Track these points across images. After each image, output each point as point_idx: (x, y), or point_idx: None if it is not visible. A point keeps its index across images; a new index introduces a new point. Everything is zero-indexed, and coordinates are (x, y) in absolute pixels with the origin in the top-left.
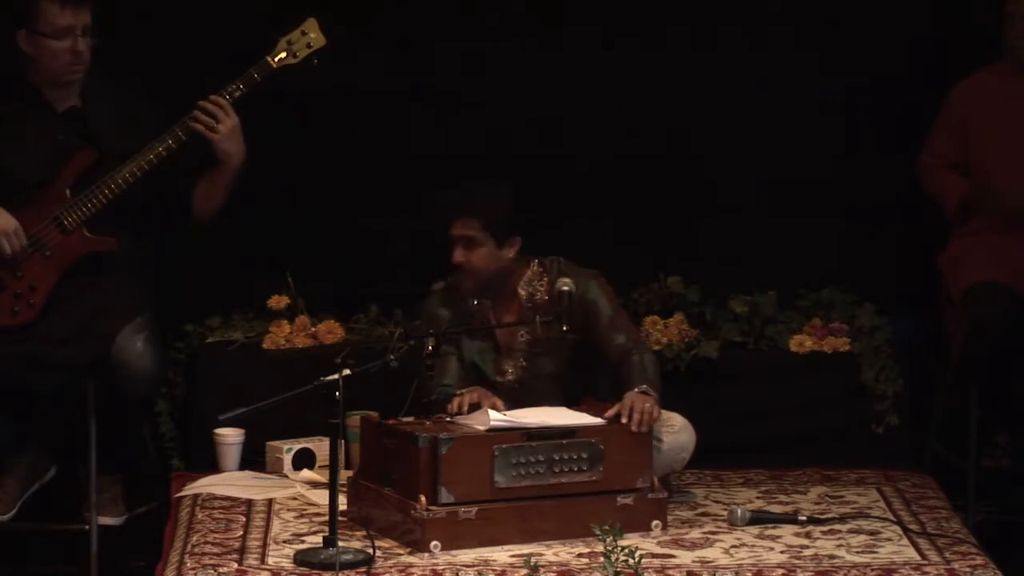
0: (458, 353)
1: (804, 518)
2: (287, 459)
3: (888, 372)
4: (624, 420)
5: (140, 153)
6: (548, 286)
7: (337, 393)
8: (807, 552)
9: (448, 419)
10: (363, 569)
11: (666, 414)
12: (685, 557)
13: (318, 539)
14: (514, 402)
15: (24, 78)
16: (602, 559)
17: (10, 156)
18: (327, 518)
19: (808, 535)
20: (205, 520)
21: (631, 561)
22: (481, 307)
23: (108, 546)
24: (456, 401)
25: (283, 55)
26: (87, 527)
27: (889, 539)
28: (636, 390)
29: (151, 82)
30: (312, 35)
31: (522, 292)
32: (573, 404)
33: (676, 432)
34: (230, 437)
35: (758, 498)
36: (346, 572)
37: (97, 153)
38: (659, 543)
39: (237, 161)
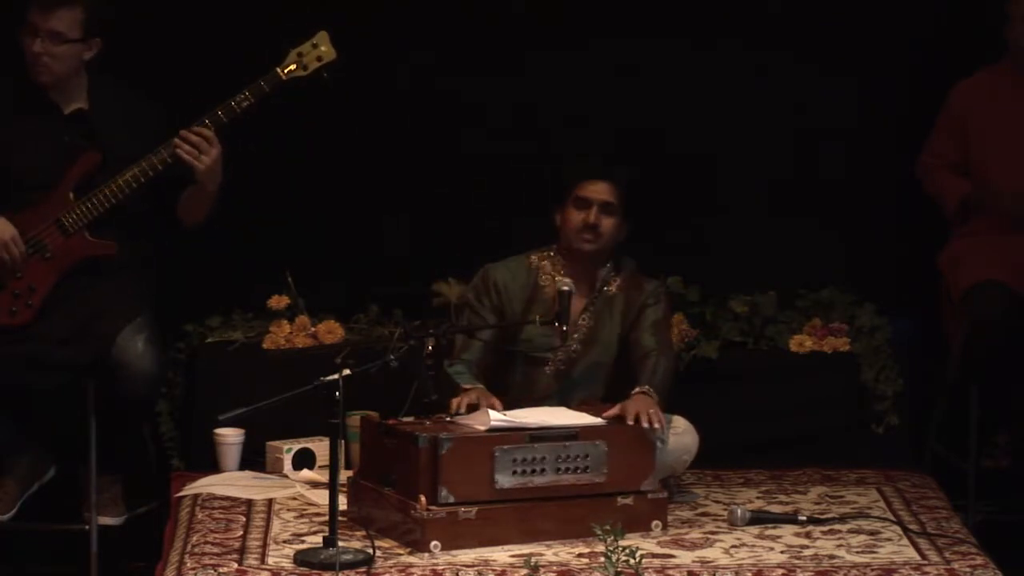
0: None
1: (804, 518)
2: (287, 459)
3: (888, 372)
4: (630, 422)
5: (137, 163)
6: (621, 284)
7: (337, 393)
8: (807, 552)
9: (448, 419)
10: (363, 569)
11: (669, 417)
12: (685, 557)
13: (318, 539)
14: (557, 383)
15: (33, 79)
16: (602, 559)
17: (15, 156)
18: (327, 518)
19: (808, 535)
20: (205, 520)
21: (632, 561)
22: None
23: (108, 546)
24: (455, 401)
25: (293, 67)
26: (87, 527)
27: (889, 539)
28: (637, 390)
29: (154, 84)
30: (323, 48)
31: (598, 281)
32: (612, 395)
33: (679, 434)
34: (230, 437)
35: (758, 498)
36: (346, 572)
37: (101, 156)
38: (659, 543)
39: (212, 187)
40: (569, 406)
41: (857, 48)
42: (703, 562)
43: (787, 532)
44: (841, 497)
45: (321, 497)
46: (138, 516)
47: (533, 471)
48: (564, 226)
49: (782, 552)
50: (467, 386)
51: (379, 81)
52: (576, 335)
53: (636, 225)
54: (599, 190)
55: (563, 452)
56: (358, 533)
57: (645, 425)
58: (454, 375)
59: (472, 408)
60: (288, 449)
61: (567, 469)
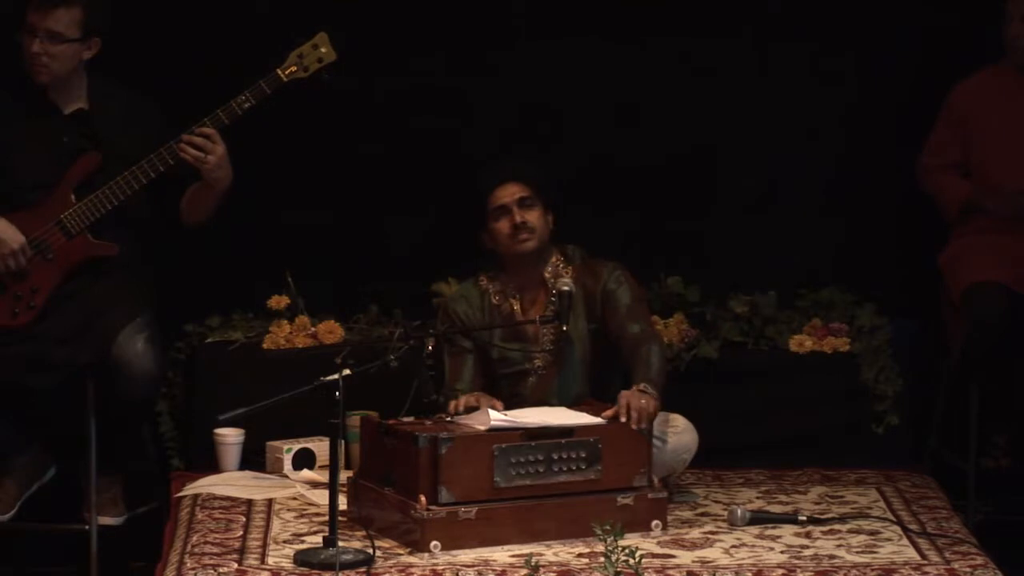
0: (475, 353)
1: (804, 518)
2: (287, 459)
3: (888, 372)
4: (623, 419)
5: (139, 165)
6: (573, 274)
7: (337, 393)
8: (807, 552)
9: (448, 419)
10: (363, 569)
11: (669, 416)
12: (685, 557)
13: (318, 539)
14: (543, 390)
15: (32, 79)
16: (602, 559)
17: (15, 156)
18: (327, 518)
19: (808, 535)
20: (205, 520)
21: (631, 561)
22: (507, 298)
23: (108, 546)
24: (453, 404)
25: (293, 68)
26: (87, 527)
27: (889, 539)
28: (634, 388)
29: (155, 84)
30: (323, 49)
31: (547, 277)
32: (603, 392)
33: (679, 433)
34: (230, 437)
35: (758, 498)
36: (346, 572)
37: (101, 157)
38: (659, 543)
39: (223, 186)
40: (569, 407)
41: (857, 48)
42: (703, 562)
43: (787, 532)
44: (841, 497)
45: (321, 497)
46: (138, 516)
47: (531, 470)
48: (496, 242)
49: (782, 552)
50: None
51: (379, 81)
52: (547, 338)
53: (561, 210)
54: (509, 191)
55: (560, 450)
56: (358, 533)
57: (633, 426)
58: (453, 396)
59: (471, 408)
60: (288, 449)
61: (564, 468)
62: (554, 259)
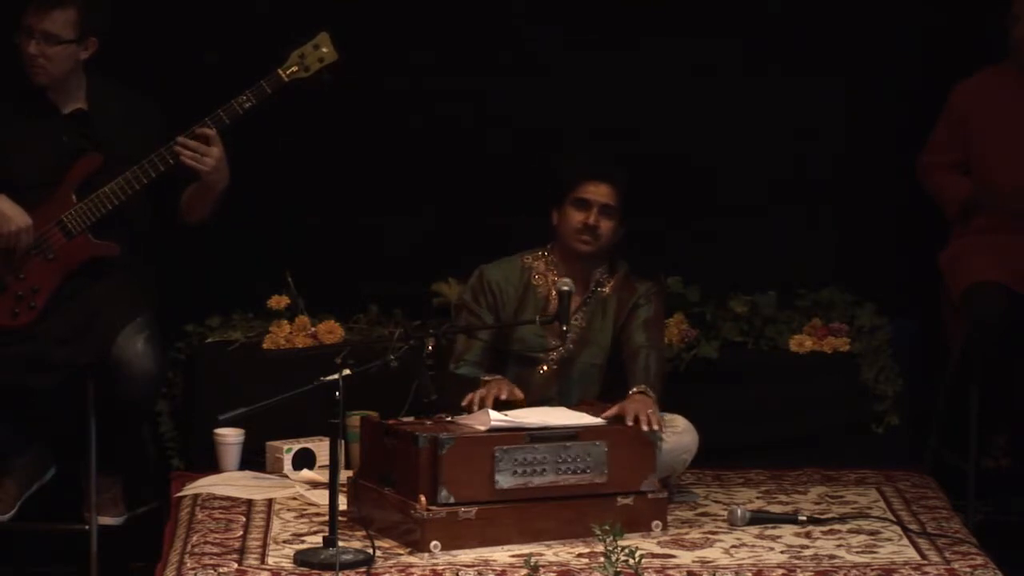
0: (489, 332)
1: (804, 518)
2: (287, 459)
3: (888, 372)
4: (630, 423)
5: (139, 165)
6: (615, 284)
7: (337, 393)
8: (807, 552)
9: (448, 419)
10: (363, 569)
11: (668, 416)
12: (685, 557)
13: (318, 539)
14: (551, 385)
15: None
16: (602, 559)
17: (15, 157)
18: (327, 518)
19: (808, 535)
20: (205, 520)
21: (632, 561)
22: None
23: (108, 546)
24: (479, 394)
25: (295, 68)
26: (87, 527)
27: (889, 539)
28: (634, 390)
29: (156, 84)
30: (324, 49)
31: (591, 281)
32: (607, 396)
33: (679, 434)
34: (230, 437)
35: (758, 498)
36: (346, 572)
37: (102, 157)
38: (659, 543)
39: (220, 188)
40: (568, 407)
41: (858, 48)
42: (703, 562)
43: (787, 532)
44: (841, 497)
45: (321, 497)
46: (138, 516)
47: (533, 472)
48: (562, 226)
49: (782, 552)
50: (487, 378)
51: (380, 81)
52: (569, 335)
53: (631, 227)
54: (601, 192)
55: (563, 452)
56: (358, 533)
57: (644, 428)
58: (468, 373)
59: (503, 402)
60: (288, 449)
61: (567, 470)
62: (602, 267)
